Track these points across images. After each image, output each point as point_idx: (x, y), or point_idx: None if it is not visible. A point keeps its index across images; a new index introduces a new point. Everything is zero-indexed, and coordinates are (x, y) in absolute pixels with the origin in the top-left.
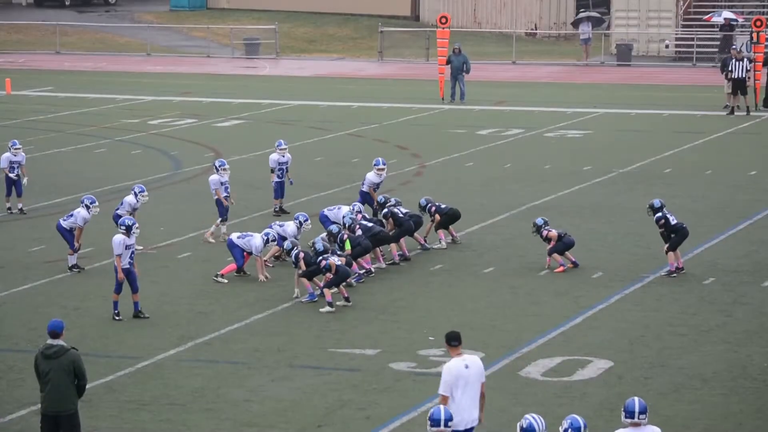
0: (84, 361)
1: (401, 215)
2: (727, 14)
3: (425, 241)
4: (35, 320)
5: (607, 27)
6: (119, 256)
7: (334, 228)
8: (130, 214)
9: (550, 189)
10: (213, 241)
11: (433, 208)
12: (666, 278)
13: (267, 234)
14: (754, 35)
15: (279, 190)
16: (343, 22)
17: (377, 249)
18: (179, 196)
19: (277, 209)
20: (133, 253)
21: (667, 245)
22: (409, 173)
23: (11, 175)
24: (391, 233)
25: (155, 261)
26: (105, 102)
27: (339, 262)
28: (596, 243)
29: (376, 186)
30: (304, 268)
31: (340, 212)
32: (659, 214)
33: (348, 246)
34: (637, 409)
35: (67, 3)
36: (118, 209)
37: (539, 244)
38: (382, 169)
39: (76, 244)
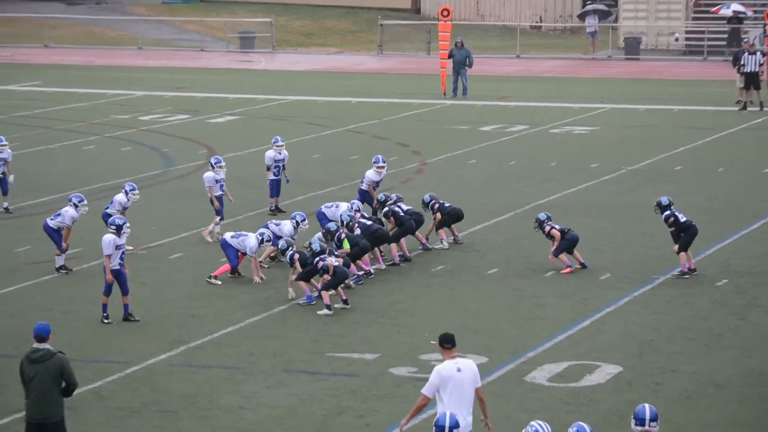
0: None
1: (402, 214)
2: (736, 6)
3: (427, 240)
4: (21, 324)
5: (614, 20)
6: (109, 256)
7: (332, 226)
8: (121, 213)
9: (556, 187)
10: (210, 240)
11: (437, 206)
12: (677, 279)
13: (262, 234)
14: (767, 28)
15: (275, 189)
16: (341, 15)
17: (376, 250)
18: (171, 194)
19: (272, 208)
20: (123, 253)
21: (677, 245)
22: (409, 171)
23: None
24: (392, 232)
25: (146, 262)
26: (95, 97)
27: (336, 263)
28: (604, 243)
29: (376, 184)
30: (299, 269)
31: (338, 210)
32: (667, 212)
33: (346, 245)
34: (647, 417)
35: None
36: (107, 208)
37: (545, 244)
38: (382, 167)
39: (64, 245)
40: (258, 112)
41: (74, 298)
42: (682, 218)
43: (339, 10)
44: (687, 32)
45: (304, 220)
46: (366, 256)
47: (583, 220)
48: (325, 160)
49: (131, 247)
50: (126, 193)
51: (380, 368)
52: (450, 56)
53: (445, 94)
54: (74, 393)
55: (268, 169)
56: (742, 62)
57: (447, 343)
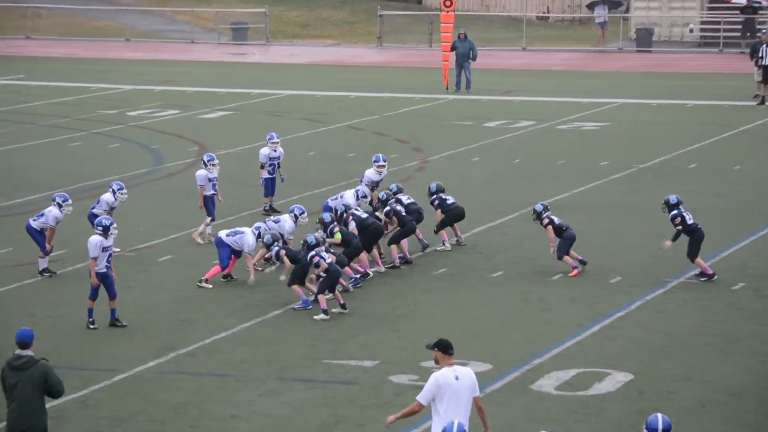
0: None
1: (404, 214)
2: None
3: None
4: (2, 329)
5: (625, 10)
6: (95, 259)
7: (326, 217)
8: (108, 214)
9: (564, 186)
10: (201, 241)
11: (436, 202)
12: (690, 283)
13: (258, 228)
14: None
15: (269, 187)
16: (338, 5)
17: (375, 252)
18: (160, 193)
19: (267, 207)
20: (110, 256)
21: (688, 252)
22: (410, 169)
23: None
24: (392, 233)
25: (134, 264)
26: (80, 91)
27: (330, 260)
28: (614, 245)
29: (376, 184)
30: (288, 264)
31: (343, 200)
32: (675, 211)
33: (338, 236)
34: (660, 427)
35: None
36: (94, 208)
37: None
38: (383, 166)
39: (48, 246)
40: (251, 107)
41: (58, 303)
42: (690, 220)
43: None
44: (702, 23)
45: (303, 213)
46: (365, 258)
47: (592, 220)
48: (321, 157)
49: (118, 249)
50: (113, 192)
51: (379, 376)
52: (453, 48)
53: (447, 88)
54: (60, 400)
55: (262, 167)
56: (760, 54)
57: (450, 349)
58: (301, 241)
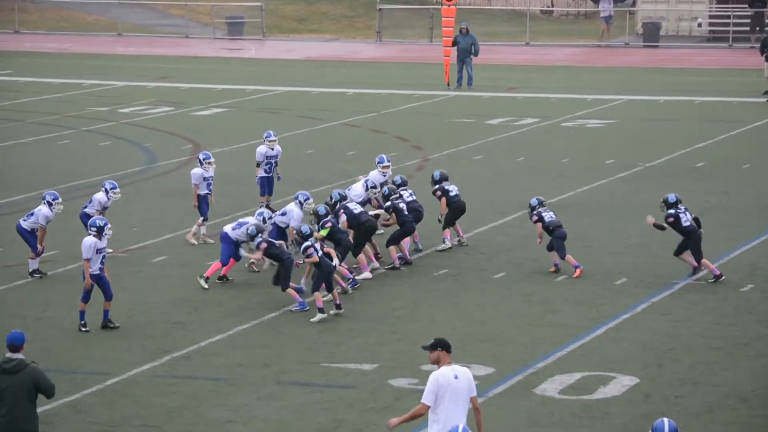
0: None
1: (405, 213)
2: None
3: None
4: None
5: (632, 4)
6: (88, 260)
7: (321, 209)
8: (100, 214)
9: (568, 185)
10: (195, 242)
11: (439, 192)
12: (698, 285)
13: (261, 213)
14: None
15: (266, 186)
16: None
17: (368, 249)
18: (154, 193)
19: (262, 206)
20: (104, 257)
21: (675, 251)
22: (410, 167)
23: None
24: (384, 222)
25: (127, 265)
26: (70, 87)
27: (321, 254)
28: (619, 245)
29: (381, 186)
30: (261, 259)
31: (352, 193)
32: (671, 210)
33: (324, 232)
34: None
35: None
36: (86, 207)
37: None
38: (387, 167)
39: (39, 247)
40: (247, 104)
41: (49, 305)
42: (686, 221)
43: None
44: (711, 17)
45: (308, 198)
46: (363, 260)
47: (596, 220)
48: (319, 155)
49: (111, 250)
50: (106, 191)
51: (378, 379)
52: (454, 44)
53: (448, 84)
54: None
55: (258, 165)
56: None
57: (449, 348)
58: (295, 231)
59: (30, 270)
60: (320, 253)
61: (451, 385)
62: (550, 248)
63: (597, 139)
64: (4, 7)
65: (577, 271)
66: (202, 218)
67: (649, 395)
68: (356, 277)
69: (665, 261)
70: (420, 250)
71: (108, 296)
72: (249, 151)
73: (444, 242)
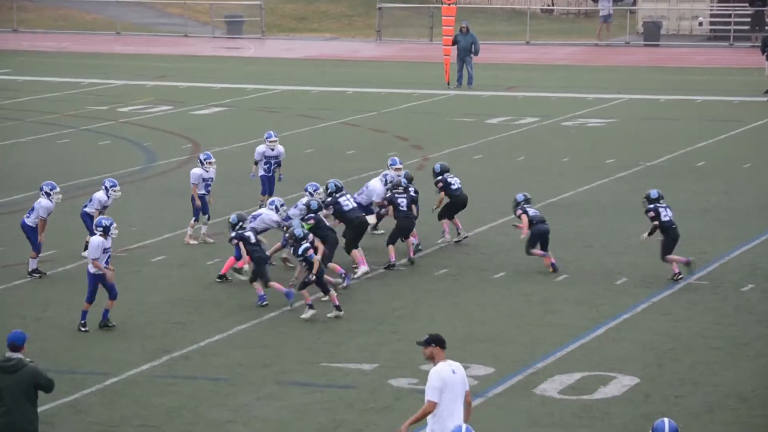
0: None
1: (403, 208)
2: None
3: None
4: None
5: (632, 3)
6: (96, 260)
7: (313, 204)
8: (100, 213)
9: (569, 184)
10: (195, 242)
11: (441, 184)
12: (698, 285)
13: (273, 202)
14: None
15: (265, 185)
16: None
17: (355, 252)
18: (153, 192)
19: (262, 206)
20: (109, 257)
21: (646, 234)
22: (410, 167)
23: None
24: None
25: (126, 265)
26: (69, 86)
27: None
28: (620, 245)
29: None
30: (242, 248)
31: (373, 192)
32: (651, 205)
33: (307, 227)
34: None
35: None
36: (86, 207)
37: (556, 246)
38: (399, 169)
39: (40, 237)
40: (246, 103)
41: (49, 304)
42: (665, 216)
43: None
44: (712, 16)
45: (317, 189)
46: (357, 255)
47: (597, 220)
48: (318, 155)
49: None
50: (106, 189)
51: (378, 379)
52: (454, 43)
53: (449, 83)
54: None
55: (256, 163)
56: None
57: (444, 344)
58: (286, 233)
59: (30, 269)
60: (318, 257)
61: (450, 379)
62: (527, 251)
63: (597, 139)
64: (3, 5)
65: (551, 267)
66: (193, 219)
67: (649, 395)
68: (354, 276)
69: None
70: (420, 250)
71: (112, 295)
72: (249, 151)
73: (443, 235)
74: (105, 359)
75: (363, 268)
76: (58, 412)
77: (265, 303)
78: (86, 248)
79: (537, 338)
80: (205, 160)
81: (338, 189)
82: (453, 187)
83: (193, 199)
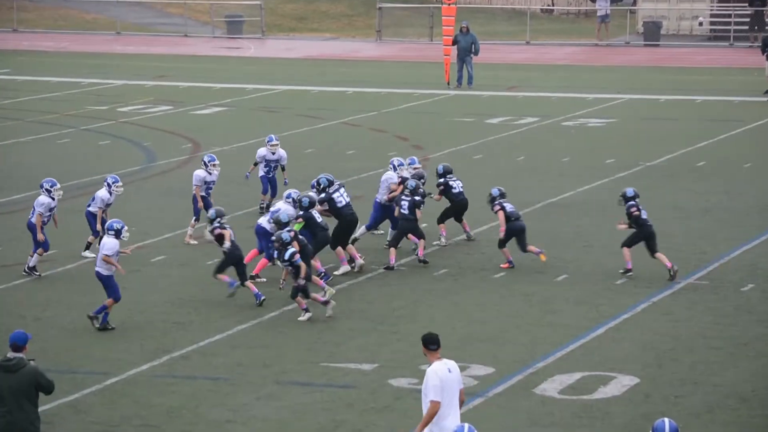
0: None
1: (403, 210)
2: None
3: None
4: None
5: (632, 2)
6: (109, 256)
7: (304, 200)
8: (104, 211)
9: (569, 184)
10: (195, 242)
11: (442, 187)
12: (698, 285)
13: (289, 195)
14: None
15: (267, 185)
16: None
17: (339, 249)
18: (153, 191)
19: (263, 206)
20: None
21: (654, 253)
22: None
23: None
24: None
25: (126, 265)
26: (69, 86)
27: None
28: (620, 245)
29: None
30: (215, 240)
31: (387, 179)
32: (631, 202)
33: (297, 226)
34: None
35: None
36: (89, 206)
37: (556, 246)
38: (418, 168)
39: (40, 236)
40: (246, 103)
41: (49, 304)
42: (643, 215)
43: None
44: (712, 16)
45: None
46: (341, 252)
47: (597, 220)
48: (318, 154)
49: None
50: (108, 186)
51: (378, 379)
52: (454, 42)
53: (449, 83)
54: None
55: (255, 164)
56: None
57: (433, 345)
58: (273, 238)
59: (29, 265)
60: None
61: (447, 379)
62: (501, 245)
63: (597, 139)
64: (3, 5)
65: (542, 256)
66: (194, 218)
67: (649, 395)
68: (336, 272)
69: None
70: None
71: (116, 298)
72: (249, 150)
73: (440, 239)
74: (105, 359)
75: (343, 268)
76: (58, 412)
77: (235, 284)
78: (87, 248)
79: (537, 338)
80: (209, 162)
81: (330, 183)
82: (454, 190)
83: (194, 200)
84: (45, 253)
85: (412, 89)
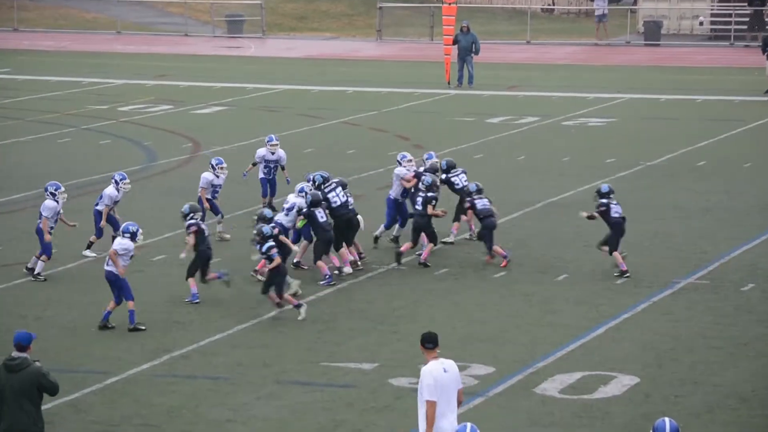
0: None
1: (418, 207)
2: None
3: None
4: None
5: (633, 2)
6: (118, 253)
7: (308, 198)
8: (112, 208)
9: (569, 184)
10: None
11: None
12: (698, 284)
13: (302, 189)
14: None
15: (267, 187)
16: None
17: (344, 250)
18: (154, 191)
19: (264, 206)
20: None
21: (607, 246)
22: None
23: None
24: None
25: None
26: (69, 86)
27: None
28: (620, 245)
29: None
30: (191, 242)
31: (398, 174)
32: (603, 200)
33: (301, 224)
34: (667, 431)
35: None
36: (97, 204)
37: (555, 246)
38: (437, 162)
39: (46, 236)
40: (247, 102)
41: (49, 304)
42: (615, 213)
43: None
44: (712, 15)
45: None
46: (345, 254)
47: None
48: (318, 154)
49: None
50: (116, 183)
51: (379, 379)
52: (455, 42)
53: (449, 83)
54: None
55: (254, 164)
56: None
57: (429, 343)
58: (254, 231)
59: (34, 271)
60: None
61: (440, 378)
62: (480, 237)
63: (598, 138)
64: (3, 4)
65: (504, 262)
66: (219, 215)
67: (649, 395)
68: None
69: (666, 261)
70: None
71: (119, 300)
72: (248, 150)
73: (450, 236)
74: (105, 358)
75: (345, 269)
76: (58, 411)
77: (196, 301)
78: (88, 247)
79: (537, 338)
80: (217, 165)
81: (325, 180)
82: (457, 186)
83: (200, 201)
84: (48, 260)
85: (412, 89)
